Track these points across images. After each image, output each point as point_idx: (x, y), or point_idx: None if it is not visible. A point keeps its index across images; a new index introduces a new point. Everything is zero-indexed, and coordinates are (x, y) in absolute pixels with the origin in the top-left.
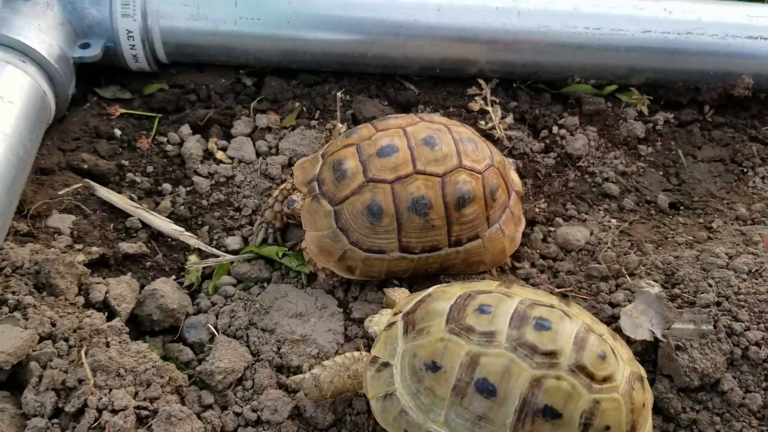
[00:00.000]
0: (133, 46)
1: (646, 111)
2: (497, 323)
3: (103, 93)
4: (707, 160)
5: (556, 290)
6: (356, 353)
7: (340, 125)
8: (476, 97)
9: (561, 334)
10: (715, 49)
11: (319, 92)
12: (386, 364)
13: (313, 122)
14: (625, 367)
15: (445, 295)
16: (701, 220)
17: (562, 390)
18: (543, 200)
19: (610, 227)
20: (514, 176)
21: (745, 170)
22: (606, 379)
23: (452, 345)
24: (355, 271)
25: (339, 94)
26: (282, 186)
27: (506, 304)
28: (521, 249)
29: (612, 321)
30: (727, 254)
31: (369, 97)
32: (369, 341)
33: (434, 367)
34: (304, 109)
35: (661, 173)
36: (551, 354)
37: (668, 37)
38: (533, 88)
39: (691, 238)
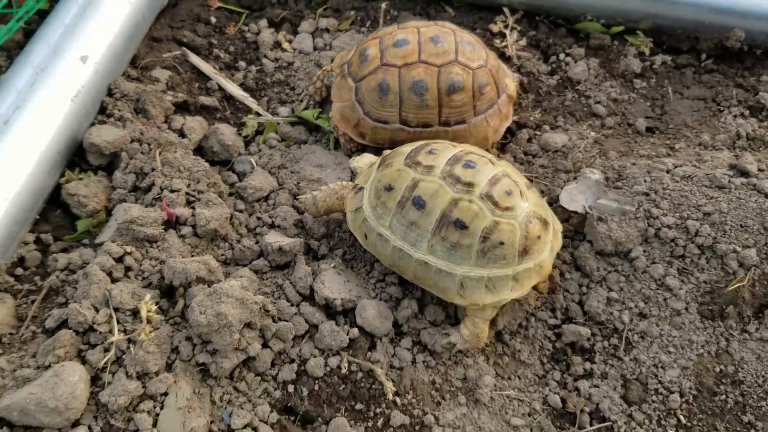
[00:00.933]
0: None
1: (647, 52)
2: (438, 161)
3: None
4: (691, 98)
5: (525, 174)
6: (344, 182)
7: (381, 27)
8: (499, 21)
9: (481, 172)
10: (709, 3)
11: (373, 6)
12: (361, 188)
13: (363, 29)
14: (528, 206)
15: (411, 144)
16: (668, 142)
17: (472, 210)
18: (539, 112)
19: (587, 137)
20: (509, 83)
21: (721, 109)
22: (507, 209)
23: (404, 173)
24: (365, 136)
25: (383, 5)
26: (323, 68)
27: (449, 150)
28: (508, 144)
29: (557, 200)
30: (673, 164)
31: (414, 14)
32: None
33: (389, 188)
34: (359, 18)
35: (648, 104)
36: (469, 184)
37: None
38: (553, 22)
39: (652, 153)
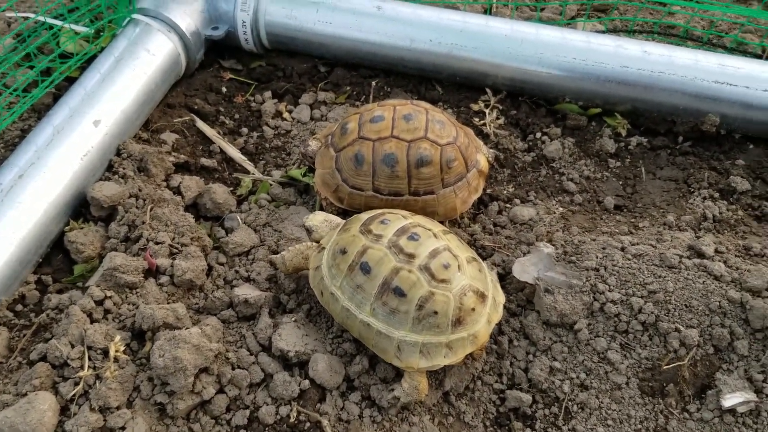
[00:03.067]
0: (245, 32)
1: (624, 133)
2: (387, 231)
3: (225, 63)
4: (663, 179)
5: (489, 245)
6: (309, 243)
7: (368, 105)
8: (480, 101)
9: (423, 245)
10: (684, 88)
11: (368, 83)
12: (323, 249)
13: (358, 103)
14: (464, 279)
15: (371, 212)
16: (632, 221)
17: (410, 279)
18: (512, 186)
19: (554, 212)
20: (481, 158)
21: (692, 190)
22: (443, 281)
23: (357, 239)
24: (343, 201)
25: (374, 83)
26: (313, 136)
27: (399, 221)
28: (478, 216)
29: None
30: (630, 242)
31: (405, 91)
32: None
33: (343, 252)
34: (355, 92)
35: (620, 183)
36: (410, 255)
37: (643, 73)
38: (535, 102)
39: (615, 230)
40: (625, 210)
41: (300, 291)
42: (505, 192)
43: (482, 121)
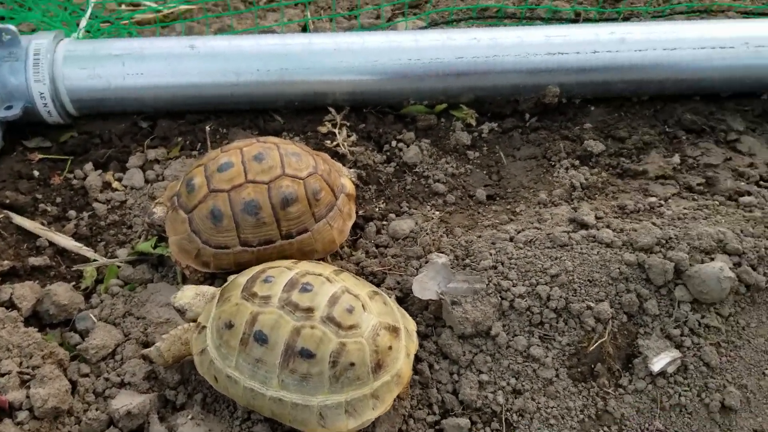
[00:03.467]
0: (46, 104)
1: (474, 123)
2: (274, 289)
3: (29, 144)
4: (523, 158)
5: (378, 269)
6: (186, 325)
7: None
8: (327, 122)
9: (319, 294)
10: (518, 67)
11: (200, 128)
12: (204, 327)
13: (194, 152)
14: (372, 318)
15: (249, 272)
16: (509, 207)
17: (315, 336)
18: (383, 201)
19: (432, 218)
20: (346, 181)
21: (552, 164)
22: (351, 327)
23: (242, 308)
24: (209, 265)
25: (207, 128)
26: (155, 201)
27: (285, 275)
28: (359, 240)
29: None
30: (515, 230)
31: (243, 129)
32: None
33: (230, 325)
34: (188, 142)
35: (485, 172)
36: (308, 309)
37: (477, 60)
38: (381, 111)
39: (496, 221)
40: (498, 198)
41: (187, 380)
42: (377, 209)
43: (334, 143)
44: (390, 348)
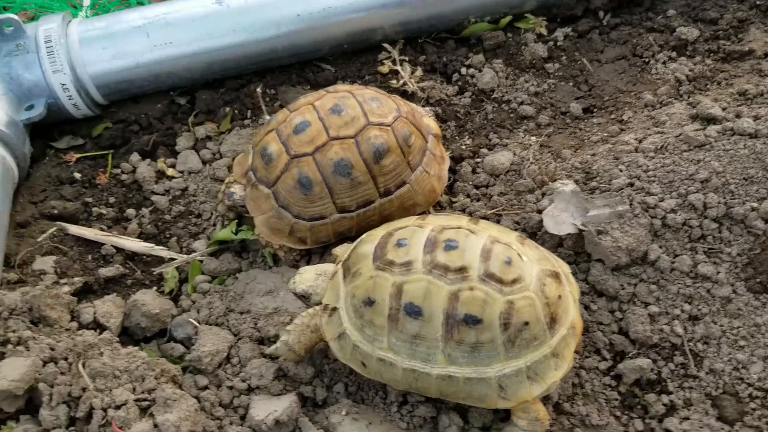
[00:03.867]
0: (71, 96)
1: (545, 32)
2: (413, 252)
3: (59, 145)
4: (611, 61)
5: (490, 212)
6: (310, 310)
7: (268, 117)
8: (384, 60)
9: (467, 250)
10: None
11: (246, 93)
12: (335, 309)
13: (247, 121)
14: (533, 266)
15: (371, 238)
16: (613, 116)
17: (477, 298)
18: (467, 137)
19: (530, 145)
20: (429, 121)
21: (646, 60)
22: (515, 281)
23: (380, 280)
24: (306, 241)
25: (258, 90)
26: (225, 181)
27: (419, 234)
28: (455, 184)
29: (541, 226)
30: (636, 139)
31: (291, 85)
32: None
33: (370, 302)
34: (236, 111)
35: (571, 84)
36: (461, 269)
37: None
38: (438, 39)
39: (605, 134)
40: (596, 109)
41: (321, 372)
42: (465, 148)
43: (400, 81)
44: (560, 297)
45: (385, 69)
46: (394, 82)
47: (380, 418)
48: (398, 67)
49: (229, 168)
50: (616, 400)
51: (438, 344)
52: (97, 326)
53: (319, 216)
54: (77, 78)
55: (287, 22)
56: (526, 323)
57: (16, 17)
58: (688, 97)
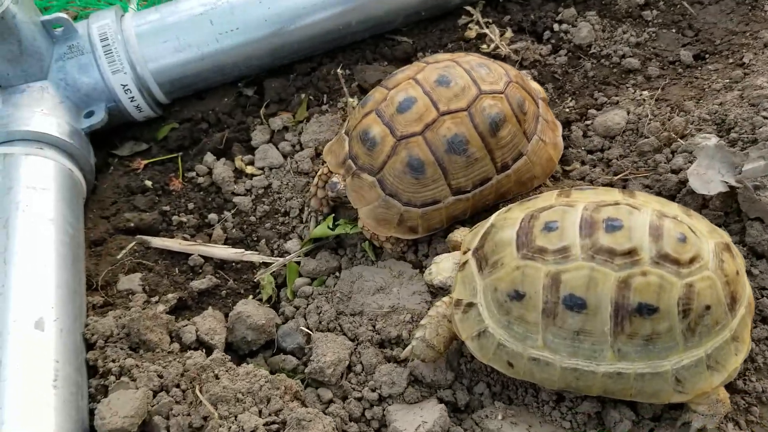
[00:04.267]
0: (133, 98)
1: None
2: (568, 236)
3: (122, 152)
4: (714, 2)
5: (615, 178)
6: (446, 298)
7: (351, 100)
8: (469, 25)
9: (634, 229)
10: None
11: (319, 76)
12: (470, 304)
13: (324, 107)
14: (708, 241)
15: (508, 222)
16: (731, 60)
17: (652, 284)
18: (570, 99)
19: (644, 100)
20: (535, 85)
21: None
22: (693, 260)
23: (529, 270)
24: (417, 229)
25: (339, 71)
26: (319, 173)
27: (571, 215)
28: (566, 151)
29: (680, 187)
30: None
31: (367, 63)
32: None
33: (518, 296)
34: (311, 98)
35: (674, 31)
36: (630, 252)
37: None
38: None
39: (728, 80)
40: (709, 55)
41: (460, 374)
42: (569, 110)
43: (492, 45)
44: (737, 273)
45: (472, 33)
46: (485, 46)
47: (538, 419)
48: (486, 30)
49: (313, 159)
50: None
51: (606, 339)
52: (201, 345)
53: (432, 201)
54: (138, 77)
55: None
56: (708, 307)
57: (66, 16)
58: None
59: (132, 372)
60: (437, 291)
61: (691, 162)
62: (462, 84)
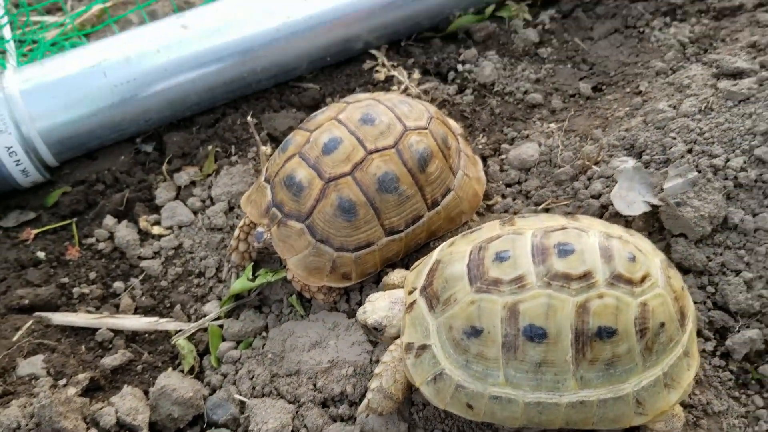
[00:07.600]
0: (19, 161)
1: (530, 17)
2: (521, 265)
3: (6, 223)
4: (604, 36)
5: (538, 208)
6: (398, 341)
7: (264, 148)
8: (377, 68)
9: (586, 252)
10: None
11: (224, 127)
12: (424, 347)
13: (234, 158)
14: (654, 259)
15: (455, 256)
16: (628, 90)
17: (609, 306)
18: (481, 135)
19: (553, 132)
20: (452, 122)
21: (641, 30)
22: (644, 279)
23: (486, 303)
24: (351, 276)
25: (249, 119)
26: (240, 225)
27: (521, 243)
28: (487, 186)
29: (603, 212)
30: (670, 106)
31: (274, 111)
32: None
33: (475, 332)
34: (219, 150)
35: (570, 66)
36: (585, 275)
37: None
38: (420, 39)
39: (628, 108)
40: (606, 86)
41: (414, 424)
42: (482, 146)
43: (402, 86)
44: (683, 288)
45: (381, 76)
46: (395, 88)
47: None
48: (394, 72)
49: (227, 213)
50: (730, 380)
51: (568, 368)
52: (122, 428)
53: (366, 243)
54: (24, 137)
55: (261, 38)
56: (663, 324)
57: None
58: (699, 58)
59: None
60: (370, 332)
61: (609, 186)
62: (387, 121)
